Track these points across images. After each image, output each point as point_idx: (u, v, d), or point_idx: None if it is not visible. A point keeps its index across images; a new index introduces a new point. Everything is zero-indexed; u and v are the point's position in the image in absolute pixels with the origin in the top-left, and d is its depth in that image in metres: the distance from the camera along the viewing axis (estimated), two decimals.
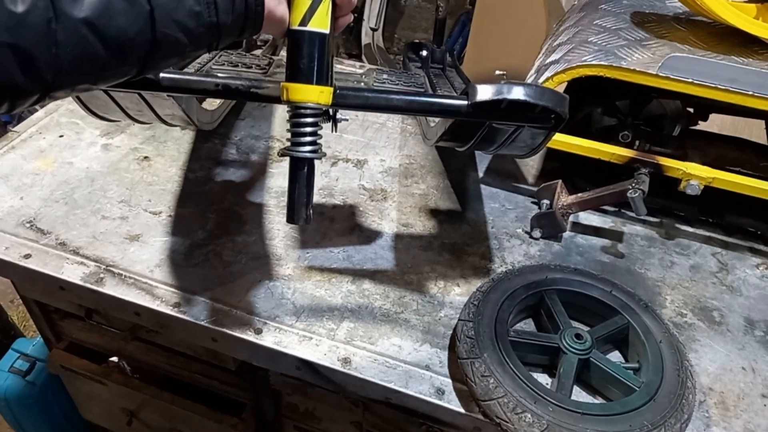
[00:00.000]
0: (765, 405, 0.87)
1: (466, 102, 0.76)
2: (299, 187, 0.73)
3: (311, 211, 0.75)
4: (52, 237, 1.04)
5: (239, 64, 1.20)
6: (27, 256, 1.00)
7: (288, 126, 0.73)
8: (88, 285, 0.96)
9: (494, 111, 0.76)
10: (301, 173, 0.73)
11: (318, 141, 0.74)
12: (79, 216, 1.09)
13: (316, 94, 0.70)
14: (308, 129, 0.72)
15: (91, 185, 1.16)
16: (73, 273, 0.98)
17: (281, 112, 1.42)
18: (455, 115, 0.79)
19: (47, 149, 1.25)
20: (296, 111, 0.72)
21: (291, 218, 0.74)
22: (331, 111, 0.76)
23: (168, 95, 0.84)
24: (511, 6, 1.78)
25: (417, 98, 0.79)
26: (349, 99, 0.77)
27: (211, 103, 1.19)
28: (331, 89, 0.72)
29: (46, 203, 1.11)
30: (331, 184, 1.21)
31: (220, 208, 1.13)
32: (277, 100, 0.74)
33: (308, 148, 0.73)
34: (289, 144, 0.73)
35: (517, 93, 0.73)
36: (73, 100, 0.89)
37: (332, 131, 0.79)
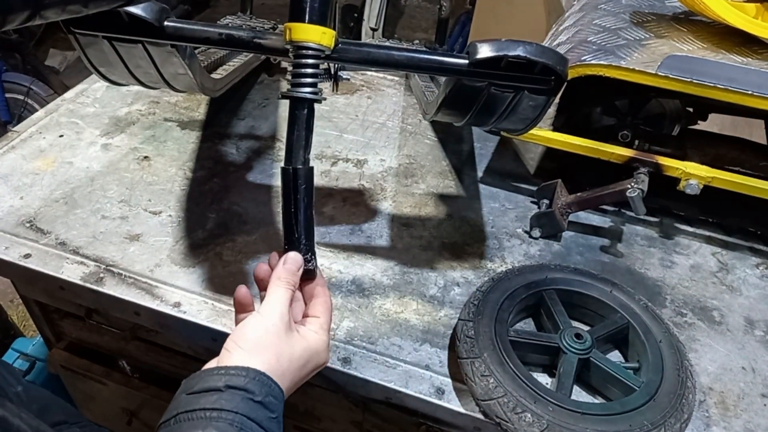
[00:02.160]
0: (765, 405, 0.87)
1: (466, 60, 0.76)
2: (298, 130, 0.72)
3: (309, 156, 0.73)
4: (51, 237, 1.04)
5: (245, 26, 1.19)
6: (27, 256, 1.00)
7: (290, 68, 0.72)
8: (88, 285, 0.96)
9: (494, 70, 0.76)
10: (301, 115, 0.72)
11: (319, 84, 0.72)
12: (79, 216, 1.09)
13: (318, 35, 0.70)
14: (309, 70, 0.71)
15: (91, 185, 1.16)
16: (73, 273, 0.98)
17: (281, 111, 1.42)
18: (455, 74, 0.78)
19: (47, 149, 1.25)
20: (298, 52, 0.71)
21: (289, 162, 0.73)
22: (332, 69, 0.75)
23: (171, 46, 0.82)
24: (511, 6, 1.78)
25: (418, 55, 0.79)
26: (351, 52, 0.76)
27: (218, 74, 1.20)
28: (334, 33, 0.71)
29: (46, 203, 1.11)
30: (331, 183, 1.21)
31: (220, 208, 1.13)
32: (280, 52, 0.73)
33: (309, 89, 0.71)
34: (289, 86, 0.72)
35: (518, 50, 0.74)
36: (81, 58, 0.86)
37: (333, 90, 0.79)
